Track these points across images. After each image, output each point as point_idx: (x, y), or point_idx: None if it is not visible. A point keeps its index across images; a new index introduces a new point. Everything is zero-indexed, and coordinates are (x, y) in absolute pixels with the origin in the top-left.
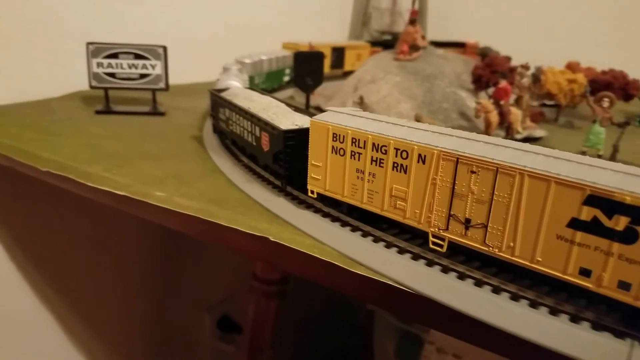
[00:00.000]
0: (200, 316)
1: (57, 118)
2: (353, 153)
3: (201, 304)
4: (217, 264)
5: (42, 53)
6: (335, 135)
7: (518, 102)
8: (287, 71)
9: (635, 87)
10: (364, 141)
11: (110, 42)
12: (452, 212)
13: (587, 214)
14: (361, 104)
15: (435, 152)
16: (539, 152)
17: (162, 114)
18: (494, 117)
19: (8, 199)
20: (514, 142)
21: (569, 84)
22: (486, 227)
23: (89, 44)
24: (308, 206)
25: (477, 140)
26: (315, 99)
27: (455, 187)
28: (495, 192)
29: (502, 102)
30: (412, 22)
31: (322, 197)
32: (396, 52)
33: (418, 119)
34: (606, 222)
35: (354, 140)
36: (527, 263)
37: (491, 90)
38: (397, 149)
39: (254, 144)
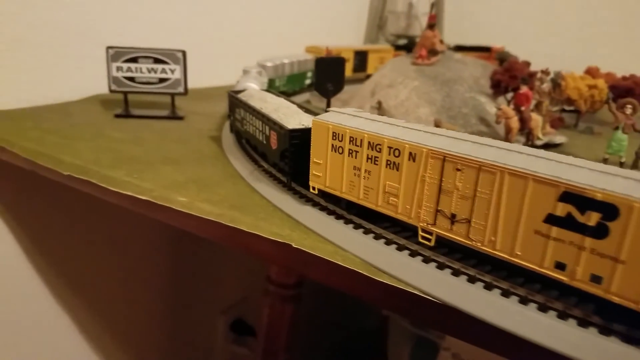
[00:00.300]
0: (214, 319)
1: (76, 122)
2: (351, 151)
3: (215, 306)
4: (231, 267)
5: (60, 57)
6: (334, 134)
7: (538, 108)
8: (309, 74)
9: None
10: (361, 140)
11: (129, 47)
12: (439, 208)
13: (562, 210)
14: (379, 108)
15: (424, 150)
16: (522, 151)
17: (180, 118)
18: (515, 123)
19: (26, 200)
20: (500, 142)
21: (589, 89)
22: (470, 222)
23: (108, 48)
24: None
25: (465, 140)
26: (332, 103)
27: (442, 184)
28: (478, 189)
29: (522, 108)
30: (431, 26)
31: (322, 193)
32: (414, 57)
33: (437, 124)
34: (579, 217)
35: (351, 139)
36: (507, 256)
37: (510, 95)
38: (390, 148)
39: (264, 142)
